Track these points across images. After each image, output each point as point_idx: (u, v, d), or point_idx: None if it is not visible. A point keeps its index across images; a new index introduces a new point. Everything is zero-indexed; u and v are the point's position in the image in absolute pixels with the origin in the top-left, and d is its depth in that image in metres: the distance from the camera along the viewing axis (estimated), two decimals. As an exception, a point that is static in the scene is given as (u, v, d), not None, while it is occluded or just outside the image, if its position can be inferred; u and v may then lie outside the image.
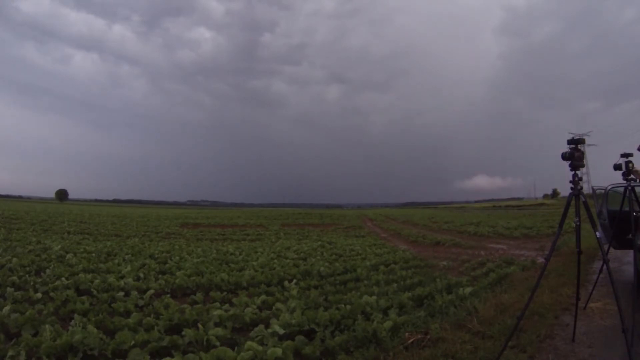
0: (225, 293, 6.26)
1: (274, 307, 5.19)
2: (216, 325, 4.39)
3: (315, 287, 6.68)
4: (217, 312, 4.73)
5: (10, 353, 3.40)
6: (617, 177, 4.03)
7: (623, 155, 3.86)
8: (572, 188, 2.95)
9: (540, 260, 8.92)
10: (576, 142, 2.95)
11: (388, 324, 4.04)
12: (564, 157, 3.00)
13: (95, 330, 3.88)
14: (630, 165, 3.85)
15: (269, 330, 4.07)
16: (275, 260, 9.75)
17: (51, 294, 5.68)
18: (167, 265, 8.76)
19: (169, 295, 6.08)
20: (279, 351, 3.39)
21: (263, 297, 5.77)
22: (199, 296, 5.95)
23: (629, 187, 4.14)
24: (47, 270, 7.33)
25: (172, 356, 3.41)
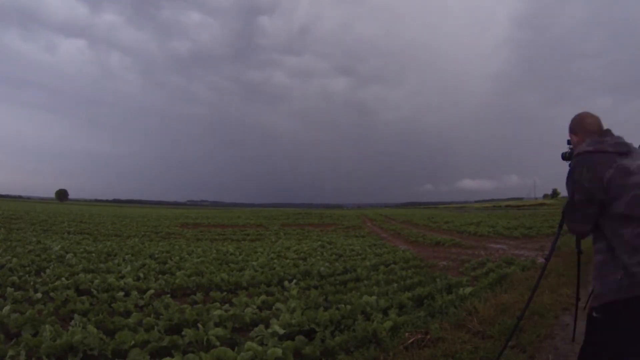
0: (225, 293, 6.26)
1: (274, 307, 5.19)
2: (216, 325, 4.39)
3: (315, 287, 6.68)
4: (217, 312, 4.73)
5: (10, 353, 3.40)
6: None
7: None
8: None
9: (540, 260, 8.92)
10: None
11: (388, 324, 4.04)
12: (564, 157, 2.99)
13: (95, 330, 3.87)
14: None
15: (269, 330, 4.06)
16: (275, 260, 9.75)
17: (51, 294, 5.68)
18: (167, 265, 8.76)
19: (169, 295, 6.07)
20: (279, 351, 3.39)
21: (263, 297, 5.77)
22: (199, 296, 5.95)
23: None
24: (47, 270, 7.33)
25: (172, 356, 3.41)
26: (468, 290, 5.71)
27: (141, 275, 7.45)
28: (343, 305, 4.92)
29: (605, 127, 2.02)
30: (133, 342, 3.71)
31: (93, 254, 9.97)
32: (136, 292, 5.92)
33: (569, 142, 2.99)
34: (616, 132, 1.99)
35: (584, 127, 2.06)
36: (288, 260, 9.81)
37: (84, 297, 5.42)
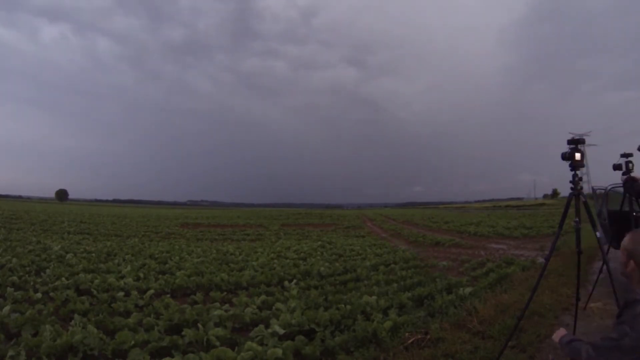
0: (225, 293, 6.26)
1: (274, 307, 5.18)
2: (216, 325, 4.39)
3: (315, 287, 6.67)
4: (217, 312, 4.73)
5: (10, 353, 3.40)
6: (617, 177, 4.03)
7: (623, 155, 3.86)
8: (572, 188, 2.95)
9: (540, 260, 8.91)
10: (576, 142, 2.94)
11: (388, 324, 4.04)
12: (564, 157, 2.99)
13: (95, 330, 3.87)
14: (630, 165, 3.83)
15: (269, 330, 4.07)
16: (275, 260, 9.75)
17: (51, 294, 5.68)
18: (167, 265, 8.76)
19: (169, 295, 6.07)
20: (279, 351, 3.39)
21: (263, 297, 5.77)
22: (199, 296, 5.95)
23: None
24: (47, 270, 7.34)
25: (172, 356, 3.41)
26: (468, 290, 5.72)
27: (141, 275, 7.45)
28: (343, 305, 4.92)
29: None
30: (133, 342, 3.71)
31: (93, 254, 9.97)
32: (136, 292, 5.92)
33: (569, 142, 2.99)
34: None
35: None
36: (288, 260, 9.81)
37: (84, 297, 5.42)
